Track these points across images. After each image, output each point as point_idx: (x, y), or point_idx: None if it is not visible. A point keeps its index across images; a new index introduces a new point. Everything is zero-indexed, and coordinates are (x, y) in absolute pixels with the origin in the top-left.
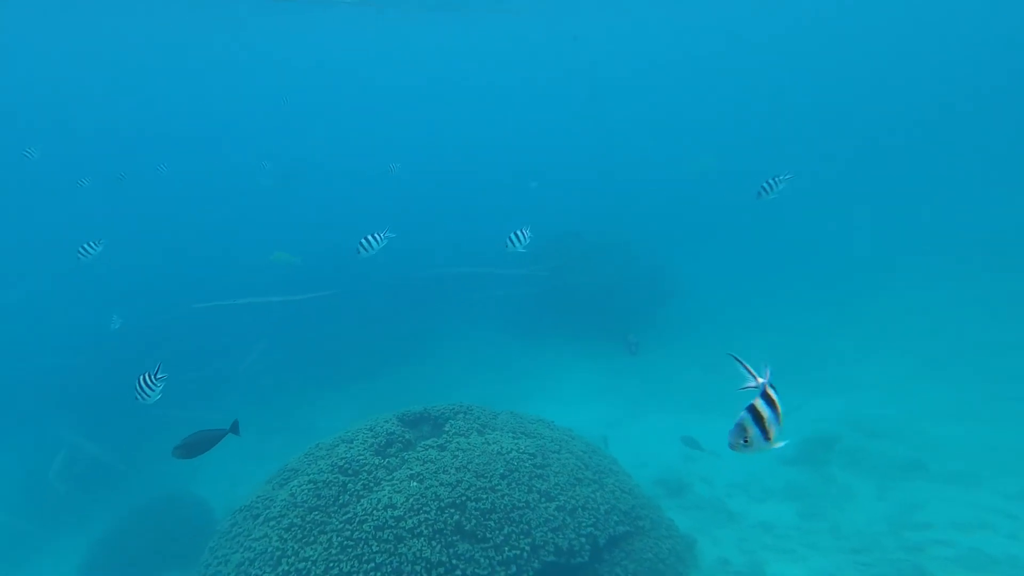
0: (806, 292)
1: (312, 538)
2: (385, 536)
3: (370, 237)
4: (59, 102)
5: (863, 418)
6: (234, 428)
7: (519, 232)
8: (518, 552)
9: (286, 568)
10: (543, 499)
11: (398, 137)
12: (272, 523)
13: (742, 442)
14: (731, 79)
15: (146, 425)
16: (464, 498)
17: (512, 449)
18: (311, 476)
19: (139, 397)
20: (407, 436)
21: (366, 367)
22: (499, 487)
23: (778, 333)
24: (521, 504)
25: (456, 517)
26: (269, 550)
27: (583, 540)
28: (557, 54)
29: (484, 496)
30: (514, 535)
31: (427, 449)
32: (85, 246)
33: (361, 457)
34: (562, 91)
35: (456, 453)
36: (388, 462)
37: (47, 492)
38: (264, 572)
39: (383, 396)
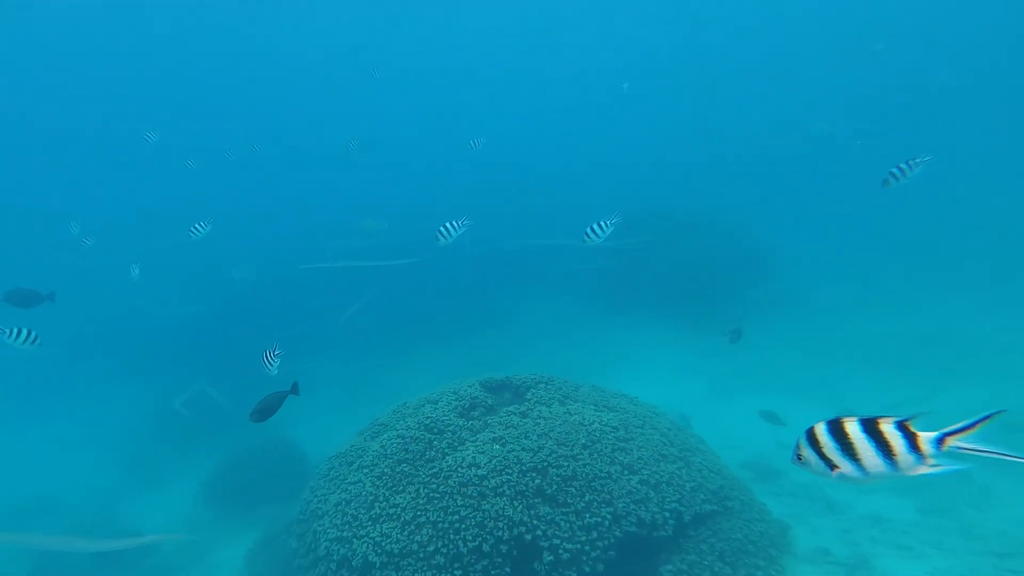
0: (931, 272)
1: (401, 487)
2: (469, 492)
3: (448, 225)
4: (166, 83)
5: (1012, 410)
6: (294, 389)
7: (601, 223)
8: (599, 520)
9: (378, 512)
10: (626, 471)
11: (484, 107)
12: (365, 471)
13: (798, 459)
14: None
15: (256, 373)
16: (545, 464)
17: (594, 421)
18: (399, 431)
19: (265, 368)
20: (489, 401)
21: (447, 332)
22: (580, 456)
23: (897, 317)
24: (603, 474)
25: (537, 481)
26: (363, 494)
27: (667, 515)
28: (646, 23)
29: (565, 463)
30: (595, 503)
31: (509, 415)
32: (196, 226)
33: (446, 418)
34: (653, 60)
35: (538, 421)
36: (471, 424)
37: (179, 424)
38: (359, 512)
39: (462, 361)
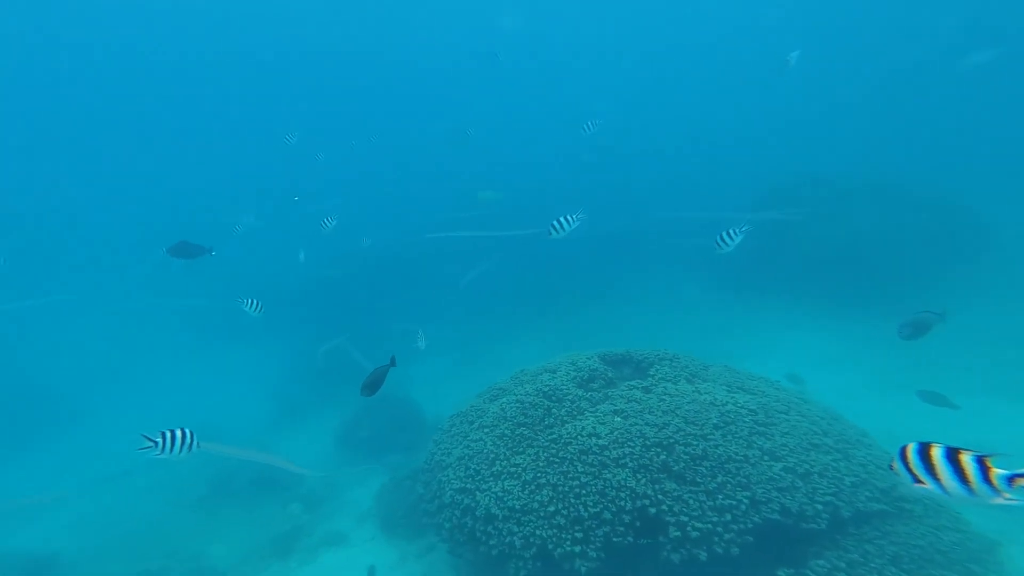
0: None
1: (520, 448)
2: (589, 460)
3: (562, 219)
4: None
5: None
6: (392, 362)
7: (568, 217)
8: (734, 503)
9: (499, 469)
10: (766, 457)
11: (611, 74)
12: (486, 430)
13: (890, 467)
14: None
15: (383, 333)
16: (672, 441)
17: (728, 402)
18: (519, 396)
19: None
20: (609, 374)
21: (560, 305)
22: (712, 436)
23: None
24: (738, 457)
25: (663, 457)
26: (484, 451)
27: (819, 507)
28: None
29: (695, 442)
30: (729, 485)
31: (631, 389)
32: (325, 220)
33: (564, 387)
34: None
35: (663, 397)
36: (590, 395)
37: (321, 374)
38: (481, 468)
39: (573, 334)
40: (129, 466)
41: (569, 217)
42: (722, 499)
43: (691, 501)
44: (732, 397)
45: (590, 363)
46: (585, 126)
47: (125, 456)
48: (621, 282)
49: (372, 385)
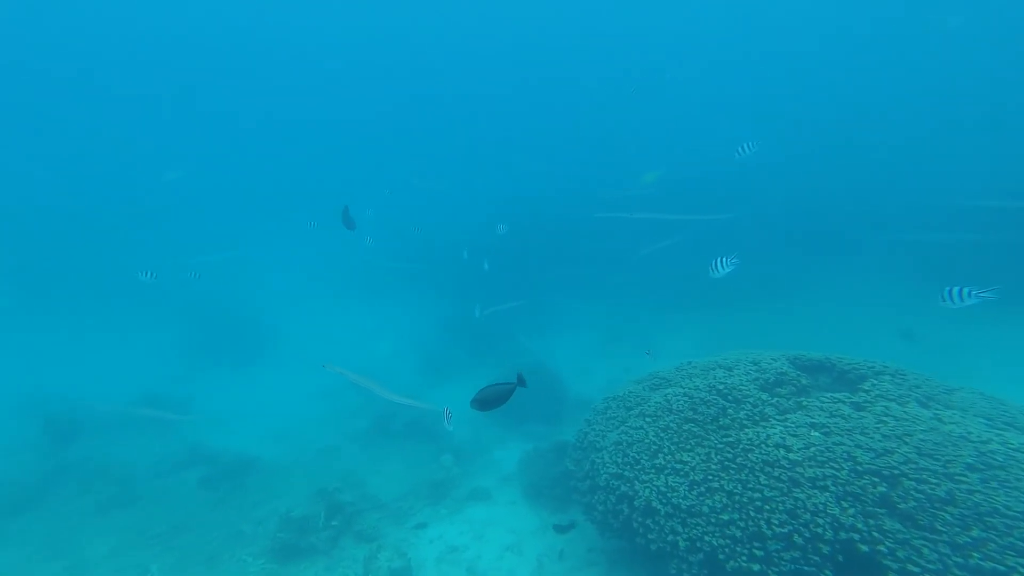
0: None
1: (688, 446)
2: (776, 475)
3: (719, 261)
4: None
5: None
6: (520, 381)
7: (724, 259)
8: (1003, 569)
9: (662, 462)
10: None
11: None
12: (648, 419)
13: None
14: None
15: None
16: (898, 473)
17: (991, 440)
18: (686, 390)
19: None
20: (802, 381)
21: (721, 297)
22: (964, 478)
23: None
24: (1012, 513)
25: (882, 489)
26: (645, 441)
27: None
28: None
29: (935, 481)
30: (993, 545)
31: (836, 403)
32: (499, 226)
33: (743, 387)
34: None
35: (884, 419)
36: (777, 401)
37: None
38: (641, 456)
39: (737, 330)
40: (312, 391)
41: (725, 260)
42: (980, 559)
43: (927, 552)
44: (1000, 435)
45: (777, 365)
46: (739, 149)
47: (308, 383)
48: (806, 277)
49: (485, 401)
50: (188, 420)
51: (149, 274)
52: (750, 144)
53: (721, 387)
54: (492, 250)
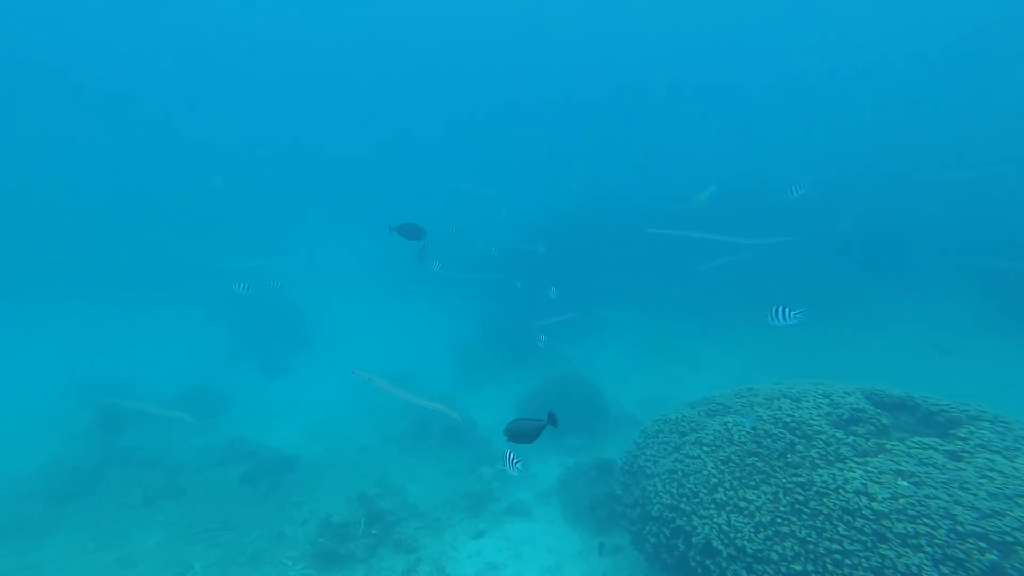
0: None
1: (752, 482)
2: (858, 525)
3: (780, 310)
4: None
5: None
6: (552, 420)
7: (786, 311)
8: None
9: (723, 498)
10: None
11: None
12: (705, 448)
13: None
14: None
15: (573, 316)
16: (1012, 540)
17: None
18: (750, 420)
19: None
20: (883, 420)
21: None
22: None
23: None
24: None
25: (991, 557)
26: (703, 472)
27: None
28: None
29: None
30: None
31: (926, 449)
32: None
33: (814, 422)
34: None
35: (989, 474)
36: (854, 441)
37: (507, 343)
38: (699, 489)
39: (794, 351)
40: (349, 389)
41: (789, 312)
42: None
43: None
44: None
45: (851, 400)
46: (791, 189)
47: (346, 382)
48: (864, 299)
49: (517, 434)
50: (204, 425)
51: (244, 287)
52: (799, 186)
53: (788, 420)
54: (529, 262)
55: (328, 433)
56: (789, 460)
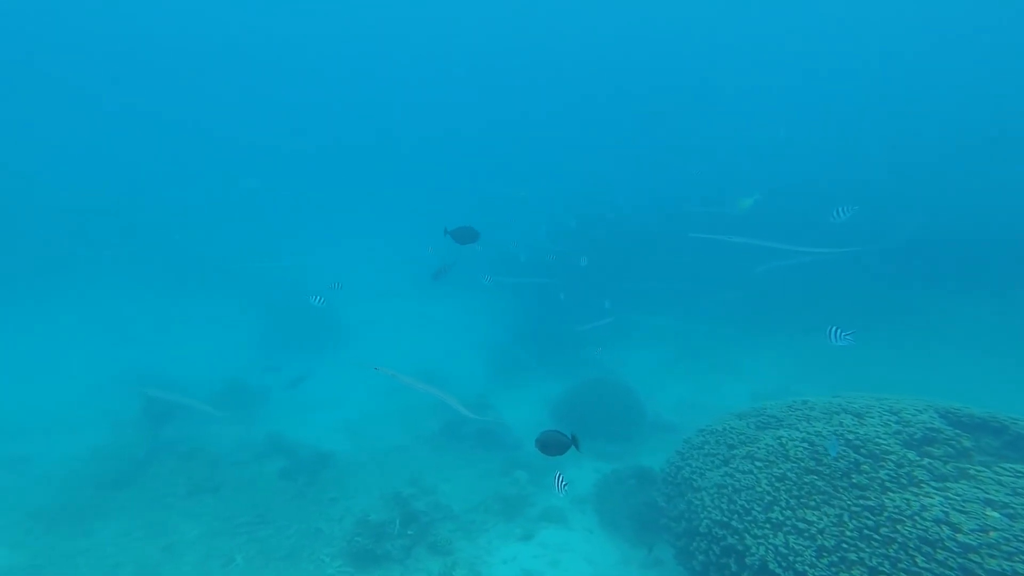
0: None
1: (812, 503)
2: (940, 558)
3: (835, 331)
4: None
5: None
6: (575, 442)
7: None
8: None
9: (780, 518)
10: None
11: None
12: (758, 464)
13: None
14: None
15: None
16: None
17: None
18: (805, 435)
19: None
20: (964, 443)
21: (811, 321)
22: None
23: None
24: None
25: None
26: (756, 488)
27: None
28: None
29: None
30: None
31: (1020, 477)
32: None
33: (882, 441)
34: None
35: None
36: (930, 464)
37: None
38: (752, 507)
39: (844, 362)
40: (382, 386)
41: (841, 332)
42: None
43: None
44: None
45: (924, 418)
46: (836, 212)
47: (377, 378)
48: (935, 308)
49: (546, 445)
50: (229, 416)
51: (320, 299)
52: (845, 208)
53: (851, 437)
54: (567, 266)
55: (361, 430)
56: (854, 481)
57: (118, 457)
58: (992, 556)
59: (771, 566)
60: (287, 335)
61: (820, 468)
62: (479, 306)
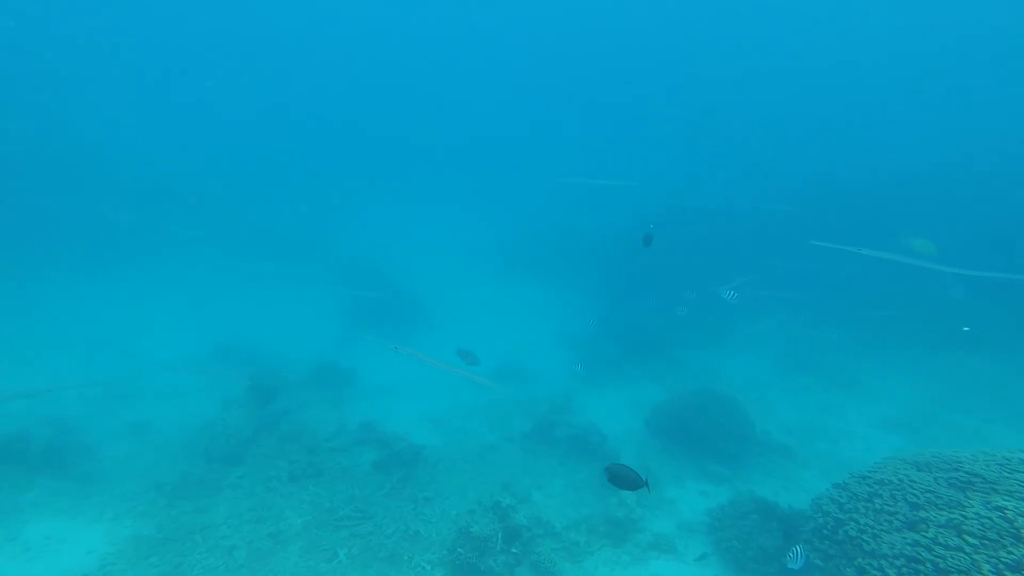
0: None
1: None
2: None
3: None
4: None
5: None
6: (646, 485)
7: None
8: None
9: None
10: None
11: None
12: (972, 542)
13: None
14: None
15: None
16: None
17: None
18: None
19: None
20: None
21: (955, 337)
22: None
23: None
24: None
25: None
26: (964, 570)
27: None
28: None
29: None
30: None
31: None
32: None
33: None
34: None
35: None
36: None
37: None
38: None
39: (983, 387)
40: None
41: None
42: None
43: None
44: None
45: None
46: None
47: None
48: None
49: (617, 477)
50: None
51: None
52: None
53: None
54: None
55: (450, 423)
56: None
57: (232, 434)
58: None
59: None
60: (373, 319)
61: None
62: (564, 297)
